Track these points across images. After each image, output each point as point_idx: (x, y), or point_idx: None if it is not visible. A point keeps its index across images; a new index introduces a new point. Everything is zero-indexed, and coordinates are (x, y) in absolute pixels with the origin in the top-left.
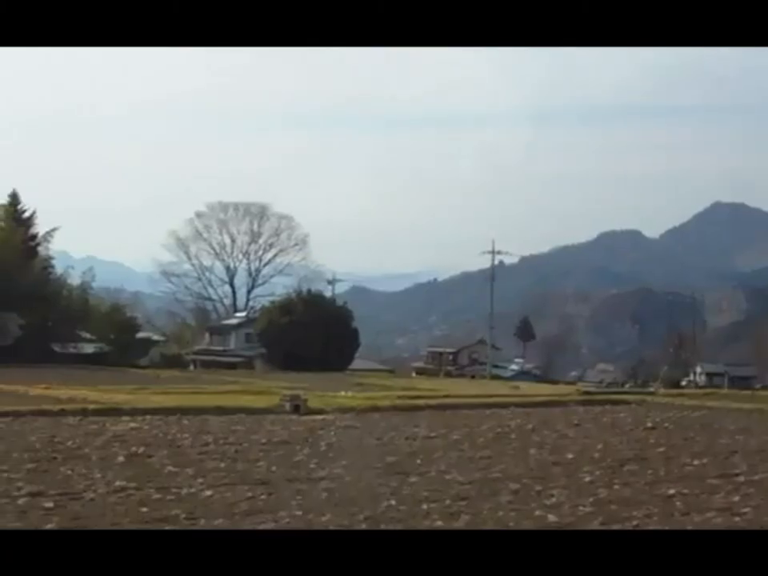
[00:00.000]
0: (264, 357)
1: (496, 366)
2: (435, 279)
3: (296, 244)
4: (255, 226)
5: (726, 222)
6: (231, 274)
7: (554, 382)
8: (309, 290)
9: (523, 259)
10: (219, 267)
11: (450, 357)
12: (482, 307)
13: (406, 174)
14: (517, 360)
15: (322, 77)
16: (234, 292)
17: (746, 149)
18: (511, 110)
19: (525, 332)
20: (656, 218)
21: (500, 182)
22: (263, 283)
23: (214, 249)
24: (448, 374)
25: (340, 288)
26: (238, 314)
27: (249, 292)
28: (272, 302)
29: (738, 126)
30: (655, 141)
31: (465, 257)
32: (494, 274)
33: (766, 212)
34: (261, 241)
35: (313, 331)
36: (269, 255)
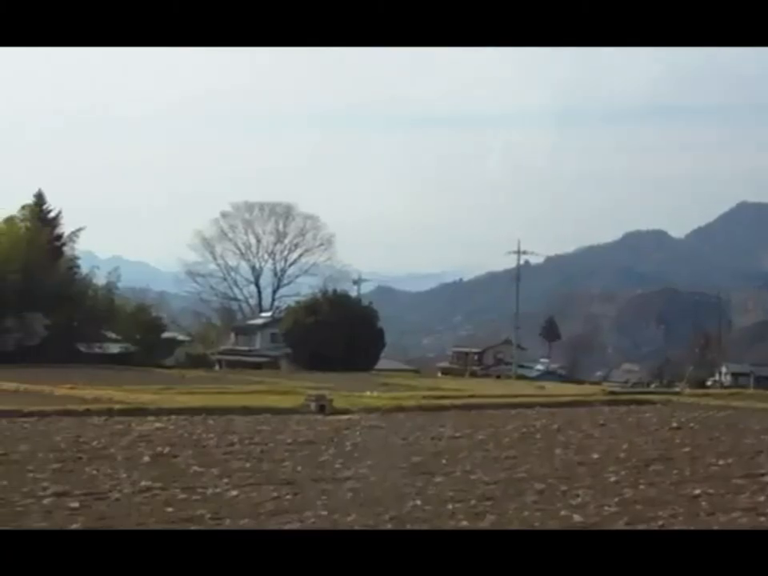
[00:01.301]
0: (289, 357)
1: (521, 366)
2: (460, 279)
3: (321, 244)
4: (281, 226)
5: (751, 221)
6: (257, 273)
7: (580, 382)
8: (334, 290)
9: (549, 259)
10: (245, 267)
11: (476, 357)
12: (507, 307)
13: (431, 173)
14: (542, 360)
15: (347, 76)
16: (259, 292)
17: None
18: (536, 109)
19: (550, 332)
20: (681, 218)
21: (525, 182)
22: (288, 283)
23: (239, 249)
24: (473, 374)
25: (365, 288)
26: (263, 314)
27: (274, 292)
28: (297, 302)
29: (764, 126)
30: (680, 140)
31: (490, 257)
32: (519, 274)
33: None
34: (286, 241)
35: (338, 331)
36: (294, 255)
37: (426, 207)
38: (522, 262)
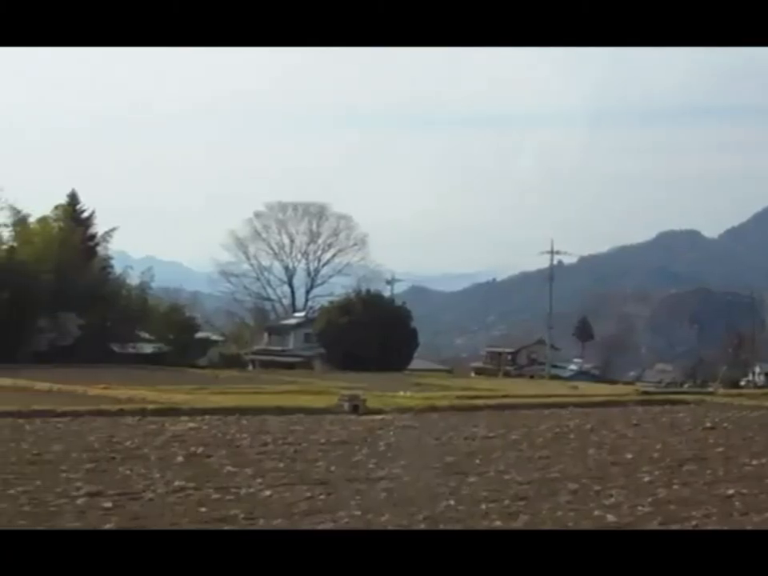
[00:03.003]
0: (323, 357)
1: (555, 366)
2: (494, 279)
3: (355, 244)
4: (314, 226)
5: None
6: (290, 273)
7: (613, 382)
8: (368, 290)
9: (582, 259)
10: (278, 267)
11: (509, 357)
12: (540, 307)
13: (464, 173)
14: (575, 360)
15: (380, 76)
16: (292, 292)
17: None
18: (569, 109)
19: (583, 332)
20: (715, 218)
21: (558, 182)
22: (322, 283)
23: (272, 249)
24: (507, 374)
25: (399, 288)
26: (296, 314)
27: (307, 292)
28: (331, 302)
29: None
30: (714, 140)
31: (523, 257)
32: (552, 274)
33: None
34: (320, 241)
35: (371, 331)
36: (327, 255)
37: (459, 207)
38: (555, 262)
